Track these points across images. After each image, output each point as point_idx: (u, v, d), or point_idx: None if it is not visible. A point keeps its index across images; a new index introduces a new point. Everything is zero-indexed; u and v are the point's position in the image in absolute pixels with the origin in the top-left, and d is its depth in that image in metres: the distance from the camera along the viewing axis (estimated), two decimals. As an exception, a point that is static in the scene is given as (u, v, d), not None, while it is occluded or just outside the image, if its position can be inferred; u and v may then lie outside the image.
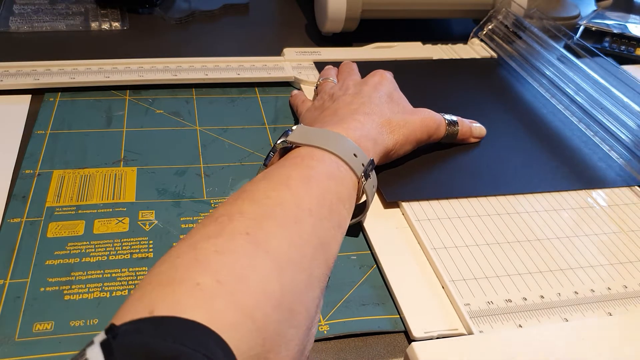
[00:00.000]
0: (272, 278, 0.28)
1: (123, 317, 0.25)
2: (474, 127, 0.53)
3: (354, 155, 0.39)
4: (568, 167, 0.50)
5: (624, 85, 0.56)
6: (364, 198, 0.40)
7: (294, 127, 0.41)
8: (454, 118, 0.51)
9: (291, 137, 0.40)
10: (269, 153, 0.42)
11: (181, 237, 0.41)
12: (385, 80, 0.50)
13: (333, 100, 0.48)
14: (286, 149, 0.40)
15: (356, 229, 0.44)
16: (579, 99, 0.58)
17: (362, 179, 0.39)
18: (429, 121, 0.48)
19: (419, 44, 0.70)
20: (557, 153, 0.52)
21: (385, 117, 0.45)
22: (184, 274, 0.27)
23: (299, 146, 0.39)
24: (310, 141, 0.39)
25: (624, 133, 0.53)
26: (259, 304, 0.27)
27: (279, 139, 0.40)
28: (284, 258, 0.30)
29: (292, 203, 0.33)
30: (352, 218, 0.40)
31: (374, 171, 0.41)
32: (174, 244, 0.31)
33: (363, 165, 0.39)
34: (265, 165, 0.41)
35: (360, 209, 0.41)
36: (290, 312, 0.29)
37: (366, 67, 0.64)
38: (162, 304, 0.25)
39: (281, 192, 0.34)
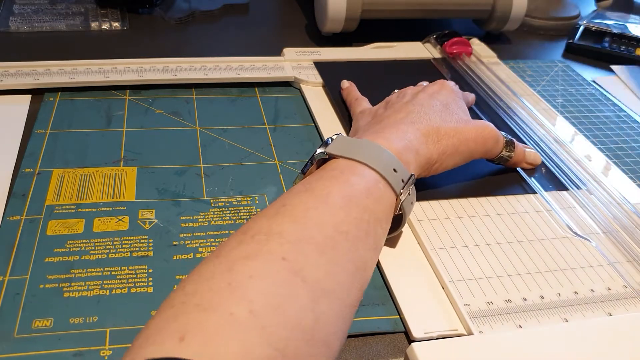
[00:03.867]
0: (306, 310, 0.27)
1: (154, 336, 0.24)
2: (527, 152, 0.49)
3: (394, 170, 0.37)
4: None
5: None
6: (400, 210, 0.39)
7: (334, 137, 0.40)
8: (510, 137, 0.48)
9: (331, 149, 0.38)
10: (307, 162, 0.40)
11: (181, 236, 0.41)
12: (444, 89, 0.48)
13: (386, 109, 0.46)
14: (325, 159, 0.39)
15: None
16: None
17: (401, 197, 0.37)
18: (487, 133, 0.45)
19: (419, 43, 0.70)
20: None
21: (433, 126, 0.42)
22: (218, 300, 0.26)
23: (338, 158, 0.38)
24: (349, 153, 0.37)
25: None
26: (292, 339, 0.26)
27: (318, 147, 0.39)
28: (319, 287, 0.29)
29: (331, 225, 0.32)
30: (388, 234, 0.39)
31: (413, 186, 0.39)
32: (208, 255, 0.30)
33: (403, 181, 0.38)
34: (303, 174, 0.40)
35: (396, 223, 0.40)
36: (323, 344, 0.28)
37: (366, 67, 0.64)
38: (195, 332, 0.24)
39: (321, 212, 0.32)
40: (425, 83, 0.52)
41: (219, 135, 0.52)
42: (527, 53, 0.75)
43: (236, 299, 0.26)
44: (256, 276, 0.27)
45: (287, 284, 0.28)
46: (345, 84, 0.57)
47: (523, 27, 0.79)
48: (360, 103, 0.52)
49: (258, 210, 0.44)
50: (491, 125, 0.46)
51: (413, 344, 0.33)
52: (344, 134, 0.41)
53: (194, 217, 0.43)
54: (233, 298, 0.26)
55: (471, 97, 0.55)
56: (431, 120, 0.43)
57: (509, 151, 0.47)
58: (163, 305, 0.27)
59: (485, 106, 0.59)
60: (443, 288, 0.39)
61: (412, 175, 0.39)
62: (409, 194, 0.38)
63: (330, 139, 0.39)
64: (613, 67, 0.71)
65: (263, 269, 0.28)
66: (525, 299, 0.38)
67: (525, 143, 0.53)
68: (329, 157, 0.38)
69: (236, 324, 0.25)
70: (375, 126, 0.43)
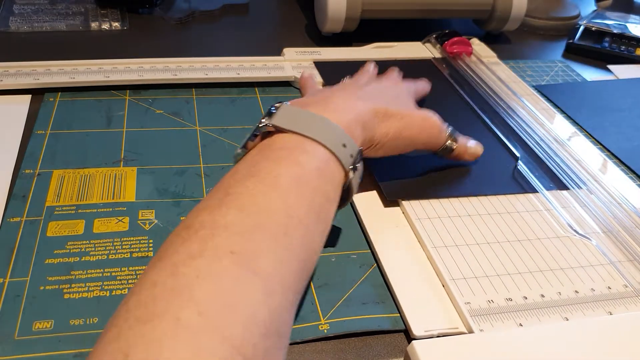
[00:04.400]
0: (260, 303, 0.26)
1: None
2: (469, 144, 0.48)
3: (343, 145, 0.36)
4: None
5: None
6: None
7: (278, 105, 0.37)
8: (452, 129, 0.47)
9: (276, 120, 0.36)
10: (250, 136, 0.36)
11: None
12: (399, 84, 0.48)
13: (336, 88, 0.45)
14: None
15: (356, 229, 0.44)
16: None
17: (350, 173, 0.36)
18: (432, 122, 0.45)
19: (419, 43, 0.70)
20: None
21: (381, 105, 0.42)
22: (163, 307, 0.24)
23: (284, 131, 0.35)
24: (297, 127, 0.35)
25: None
26: (248, 335, 0.24)
27: (262, 118, 0.36)
28: (272, 279, 0.27)
29: (283, 211, 0.30)
30: None
31: (362, 162, 0.38)
32: (151, 259, 0.28)
33: (352, 156, 0.36)
34: (245, 148, 0.36)
35: (343, 198, 0.38)
36: (277, 336, 0.27)
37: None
38: (138, 346, 0.23)
39: (271, 198, 0.31)
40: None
41: (219, 135, 0.52)
42: (527, 53, 0.75)
43: (182, 303, 0.24)
44: (203, 276, 0.26)
45: (238, 279, 0.26)
46: (306, 74, 0.53)
47: (523, 27, 0.79)
48: (313, 89, 0.50)
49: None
50: (436, 115, 0.45)
51: (413, 342, 0.33)
52: (288, 103, 0.38)
53: (194, 217, 0.43)
54: (179, 303, 0.24)
55: (422, 85, 0.54)
56: (380, 101, 0.42)
57: (453, 142, 0.46)
58: (106, 327, 0.25)
59: (485, 106, 0.59)
60: (443, 286, 0.39)
61: (360, 149, 0.38)
62: (357, 170, 0.37)
63: (274, 107, 0.37)
64: (610, 67, 0.71)
65: (210, 266, 0.26)
66: (526, 298, 0.38)
67: (526, 143, 0.53)
68: (275, 130, 0.36)
69: (185, 329, 0.23)
70: (322, 96, 0.41)
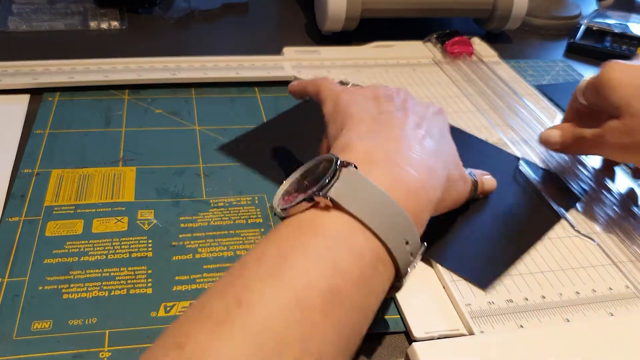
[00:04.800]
0: None
1: None
2: (485, 181, 0.44)
3: (405, 242, 0.29)
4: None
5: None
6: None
7: (345, 167, 0.29)
8: (474, 177, 0.42)
9: (334, 192, 0.28)
10: (298, 201, 0.29)
11: (180, 236, 0.41)
12: (442, 115, 0.39)
13: (388, 103, 0.37)
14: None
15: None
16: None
17: (404, 279, 0.30)
18: (463, 189, 0.39)
19: (419, 43, 0.70)
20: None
21: (448, 167, 0.35)
22: None
23: (338, 208, 0.28)
24: (354, 207, 0.28)
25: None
26: None
27: (326, 177, 0.29)
28: None
29: (297, 344, 0.24)
30: None
31: (420, 255, 0.31)
32: None
33: (412, 255, 0.30)
34: (286, 210, 0.30)
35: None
36: None
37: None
38: None
39: (288, 321, 0.24)
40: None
41: (218, 135, 0.52)
42: (528, 52, 0.75)
43: None
44: None
45: None
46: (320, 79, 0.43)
47: (524, 27, 0.78)
48: (336, 87, 0.41)
49: (258, 210, 0.44)
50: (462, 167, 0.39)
51: (414, 343, 0.33)
52: (353, 165, 0.30)
53: (194, 218, 0.43)
54: None
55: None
56: (446, 157, 0.35)
57: (474, 188, 0.42)
58: None
59: (486, 106, 0.59)
60: (444, 288, 0.38)
61: (423, 245, 0.31)
62: (414, 267, 0.31)
63: (338, 167, 0.29)
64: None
65: None
66: (527, 299, 0.38)
67: (527, 141, 0.53)
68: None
69: None
70: (387, 138, 0.33)
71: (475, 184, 0.42)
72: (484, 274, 0.39)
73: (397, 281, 0.30)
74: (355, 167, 0.30)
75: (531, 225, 0.44)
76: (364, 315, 0.28)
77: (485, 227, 0.43)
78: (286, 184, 0.31)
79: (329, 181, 0.29)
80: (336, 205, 0.28)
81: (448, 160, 0.36)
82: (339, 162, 0.30)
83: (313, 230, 0.28)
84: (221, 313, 0.24)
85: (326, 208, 0.29)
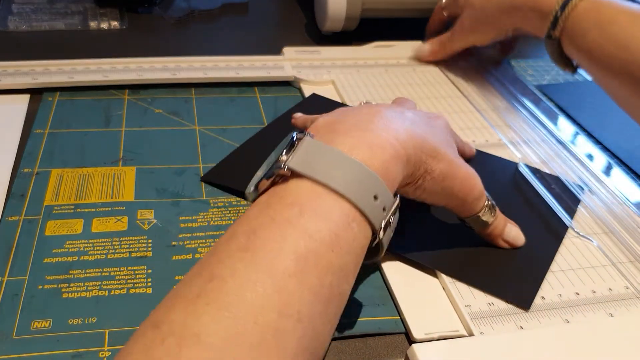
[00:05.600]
0: None
1: None
2: (509, 227, 0.41)
3: (374, 197, 0.29)
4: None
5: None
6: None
7: (300, 136, 0.30)
8: (493, 202, 0.39)
9: (294, 161, 0.29)
10: (262, 176, 0.30)
11: (180, 236, 0.41)
12: (448, 125, 0.40)
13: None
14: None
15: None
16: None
17: (381, 232, 0.30)
18: (474, 182, 0.37)
19: (419, 43, 0.70)
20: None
21: (431, 140, 0.34)
22: None
23: (301, 177, 0.29)
24: (315, 172, 0.29)
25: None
26: None
27: (283, 149, 0.30)
28: None
29: (274, 307, 0.24)
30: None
31: (397, 212, 0.32)
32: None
33: (384, 209, 0.30)
34: (256, 190, 0.30)
35: (369, 254, 0.32)
36: None
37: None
38: None
39: (263, 291, 0.25)
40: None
41: (218, 135, 0.52)
42: (528, 52, 0.74)
43: None
44: None
45: None
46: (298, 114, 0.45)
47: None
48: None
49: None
50: (479, 178, 0.38)
51: (414, 344, 0.33)
52: (312, 134, 0.31)
53: (193, 217, 0.43)
54: None
55: (468, 147, 0.49)
56: (430, 135, 0.35)
57: (490, 215, 0.39)
58: None
59: (485, 106, 0.59)
60: (444, 288, 0.38)
61: (397, 199, 0.31)
62: (389, 223, 0.31)
63: (295, 137, 0.30)
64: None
65: None
66: (527, 300, 0.38)
67: (527, 142, 0.53)
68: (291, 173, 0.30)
69: None
70: (359, 116, 0.33)
71: (490, 206, 0.39)
72: (523, 294, 0.38)
73: (375, 239, 0.31)
74: (312, 136, 0.31)
75: (544, 235, 0.43)
76: (343, 276, 0.28)
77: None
78: (259, 173, 0.31)
79: (287, 153, 0.29)
80: (297, 175, 0.29)
81: (433, 132, 0.36)
82: (295, 135, 0.30)
83: (279, 202, 0.28)
84: (195, 290, 0.25)
85: (288, 179, 0.29)
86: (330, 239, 0.27)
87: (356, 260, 0.29)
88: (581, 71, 0.54)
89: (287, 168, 0.29)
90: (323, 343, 0.27)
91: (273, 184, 0.30)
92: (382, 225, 0.30)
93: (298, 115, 0.45)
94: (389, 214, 0.31)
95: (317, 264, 0.26)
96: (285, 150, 0.30)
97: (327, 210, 0.28)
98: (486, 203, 0.38)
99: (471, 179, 0.37)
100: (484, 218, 0.38)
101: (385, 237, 0.31)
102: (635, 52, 0.46)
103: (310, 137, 0.31)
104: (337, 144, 0.31)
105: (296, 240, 0.27)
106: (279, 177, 0.30)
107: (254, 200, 0.31)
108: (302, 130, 0.32)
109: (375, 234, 0.31)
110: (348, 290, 0.29)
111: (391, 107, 0.36)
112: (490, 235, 0.40)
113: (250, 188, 0.31)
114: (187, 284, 0.26)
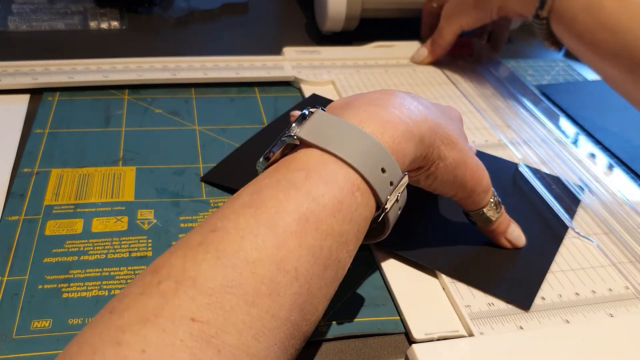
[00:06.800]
0: None
1: None
2: (512, 227, 0.41)
3: (382, 170, 0.29)
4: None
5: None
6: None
7: (313, 110, 0.31)
8: (499, 199, 0.39)
9: (303, 131, 0.30)
10: (272, 146, 0.31)
11: (180, 236, 0.41)
12: (460, 118, 0.41)
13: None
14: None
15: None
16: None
17: (386, 205, 0.30)
18: (482, 174, 0.37)
19: (419, 43, 0.70)
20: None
21: (445, 127, 0.34)
22: None
23: (309, 145, 0.30)
24: (322, 141, 0.29)
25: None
26: None
27: (293, 122, 0.31)
28: (242, 358, 0.22)
29: (272, 262, 0.25)
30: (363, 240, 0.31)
31: (405, 190, 0.31)
32: (105, 306, 0.24)
33: (392, 184, 0.30)
34: (267, 159, 0.31)
35: (374, 232, 0.32)
36: None
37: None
38: None
39: (263, 244, 0.25)
40: None
41: (218, 135, 0.52)
42: (528, 52, 0.74)
43: None
44: (150, 351, 0.21)
45: (196, 356, 0.21)
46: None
47: (524, 27, 0.78)
48: None
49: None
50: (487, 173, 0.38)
51: (413, 345, 0.33)
52: (325, 110, 0.32)
53: (193, 217, 0.43)
54: None
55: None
56: (445, 121, 0.34)
57: (495, 212, 0.39)
58: None
59: (485, 106, 0.59)
60: (444, 289, 0.38)
61: (405, 175, 0.31)
62: (397, 200, 0.31)
63: (308, 111, 0.31)
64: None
65: (161, 338, 0.21)
66: (527, 300, 0.38)
67: (527, 142, 0.53)
68: (300, 143, 0.30)
69: None
70: (374, 96, 0.33)
71: (496, 202, 0.39)
72: (523, 294, 0.38)
73: (381, 212, 0.31)
74: (324, 109, 0.32)
75: (544, 235, 0.43)
76: (343, 242, 0.28)
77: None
78: (271, 147, 0.32)
79: (298, 125, 0.30)
80: (306, 143, 0.30)
81: (446, 120, 0.35)
82: (308, 110, 0.31)
83: (286, 167, 0.29)
84: (197, 239, 0.26)
85: (297, 148, 0.30)
86: (333, 204, 0.28)
87: (357, 231, 0.29)
88: (581, 71, 0.54)
89: (297, 137, 0.30)
90: (317, 306, 0.27)
91: (283, 155, 0.31)
92: (389, 199, 0.30)
93: (296, 112, 0.44)
94: (397, 190, 0.31)
95: (318, 227, 0.27)
96: (296, 124, 0.30)
97: (333, 177, 0.28)
98: (493, 198, 0.38)
99: (480, 170, 0.37)
100: (489, 214, 0.38)
101: (391, 212, 0.31)
102: (624, 38, 0.47)
103: (322, 111, 0.31)
104: (348, 116, 0.31)
105: (299, 201, 0.27)
106: (289, 147, 0.31)
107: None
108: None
109: (380, 208, 0.30)
110: (347, 261, 0.29)
111: (407, 92, 0.35)
112: (493, 233, 0.40)
113: (260, 159, 0.31)
114: (190, 235, 0.27)
